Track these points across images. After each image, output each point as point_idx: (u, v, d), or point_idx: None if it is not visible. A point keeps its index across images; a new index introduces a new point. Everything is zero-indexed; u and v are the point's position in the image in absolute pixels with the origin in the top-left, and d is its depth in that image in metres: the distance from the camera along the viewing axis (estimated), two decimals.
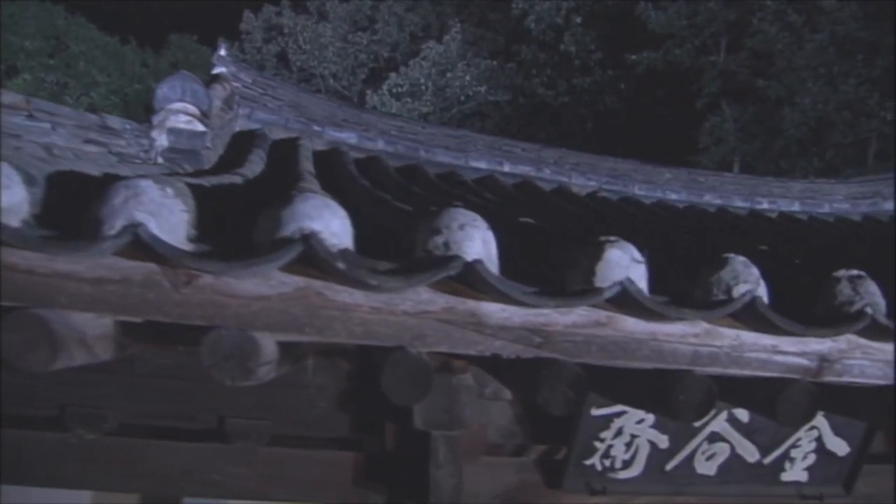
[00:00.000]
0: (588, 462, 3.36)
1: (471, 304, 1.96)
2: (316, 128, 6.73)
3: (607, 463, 3.38)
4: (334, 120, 6.93)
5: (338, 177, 5.33)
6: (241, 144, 5.66)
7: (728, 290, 2.06)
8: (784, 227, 6.81)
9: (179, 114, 4.63)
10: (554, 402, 2.07)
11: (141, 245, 1.75)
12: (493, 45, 21.30)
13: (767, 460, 3.57)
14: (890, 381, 2.48)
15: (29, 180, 1.88)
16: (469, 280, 1.86)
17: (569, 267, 1.98)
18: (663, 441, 3.40)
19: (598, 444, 3.32)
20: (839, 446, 3.61)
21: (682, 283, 2.21)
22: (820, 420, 3.51)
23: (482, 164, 7.01)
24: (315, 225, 1.77)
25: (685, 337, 2.17)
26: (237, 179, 3.82)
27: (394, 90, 19.22)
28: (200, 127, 4.68)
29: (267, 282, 1.90)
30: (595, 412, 3.22)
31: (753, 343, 2.26)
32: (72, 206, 1.92)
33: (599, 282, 1.91)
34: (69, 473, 3.20)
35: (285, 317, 1.91)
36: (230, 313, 1.90)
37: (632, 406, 2.97)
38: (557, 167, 7.22)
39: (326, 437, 3.38)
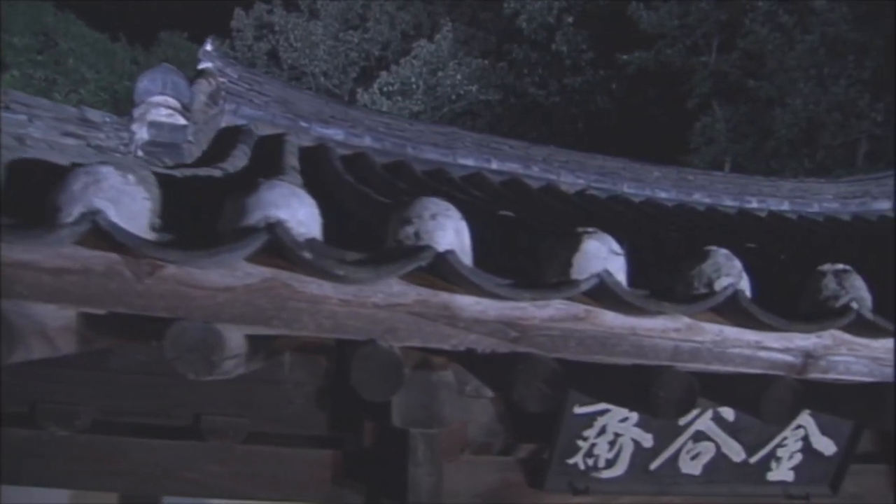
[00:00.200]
0: (571, 461, 3.31)
1: (444, 296, 1.90)
2: (303, 124, 6.65)
3: (590, 462, 3.33)
4: (321, 116, 6.85)
5: (323, 173, 5.27)
6: (225, 140, 5.59)
7: (710, 284, 2.00)
8: (773, 226, 6.78)
9: (160, 107, 4.57)
10: (530, 398, 2.01)
11: (101, 233, 1.69)
12: (484, 45, 21.24)
13: (753, 460, 3.53)
14: (875, 378, 2.43)
15: None
16: (441, 271, 1.80)
17: (546, 259, 1.92)
18: (647, 440, 3.35)
19: (581, 442, 3.27)
20: (826, 446, 3.58)
21: (665, 277, 2.16)
22: (806, 419, 3.47)
23: (470, 162, 6.94)
24: (281, 213, 1.70)
25: (666, 332, 2.11)
26: (216, 173, 3.75)
27: (385, 89, 19.15)
28: (182, 120, 4.61)
29: (233, 273, 1.83)
30: (578, 410, 3.17)
31: (736, 339, 2.20)
32: (33, 195, 1.85)
33: (576, 274, 1.85)
34: (40, 471, 3.13)
35: (251, 309, 1.85)
36: (194, 305, 1.83)
37: (612, 403, 2.92)
38: (546, 165, 7.16)
39: (304, 434, 3.33)
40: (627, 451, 3.35)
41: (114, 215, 1.68)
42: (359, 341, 1.92)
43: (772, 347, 2.26)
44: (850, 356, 2.38)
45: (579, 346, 2.02)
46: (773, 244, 5.14)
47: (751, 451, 3.51)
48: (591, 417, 3.21)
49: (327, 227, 1.87)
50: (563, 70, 20.14)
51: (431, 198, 1.80)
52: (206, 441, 3.19)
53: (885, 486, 3.85)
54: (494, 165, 7.00)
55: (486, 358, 2.04)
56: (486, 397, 3.21)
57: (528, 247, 2.28)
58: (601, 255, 1.85)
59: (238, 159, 4.68)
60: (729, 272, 2.00)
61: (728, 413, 3.36)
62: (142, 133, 4.46)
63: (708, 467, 3.49)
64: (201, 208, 2.22)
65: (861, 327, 2.26)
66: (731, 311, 2.08)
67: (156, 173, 2.25)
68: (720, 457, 3.47)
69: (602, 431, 3.26)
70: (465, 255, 1.79)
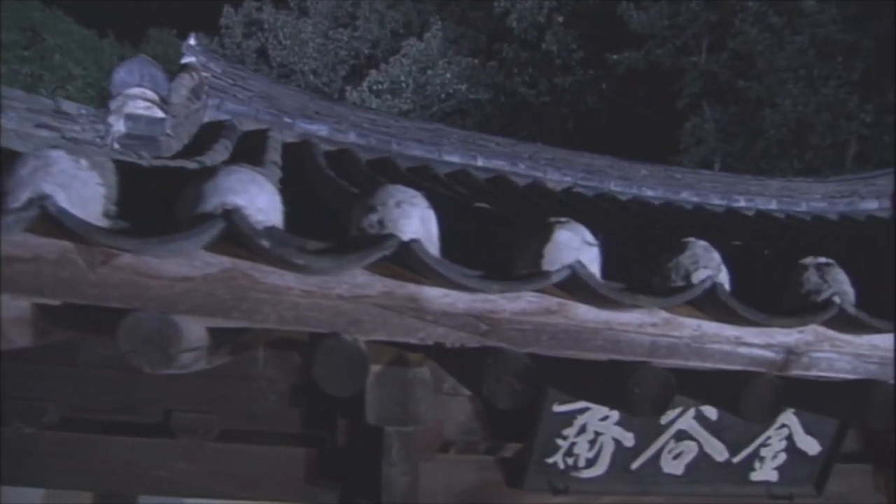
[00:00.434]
0: (550, 460, 3.24)
1: (411, 288, 1.83)
2: (287, 119, 6.58)
3: (570, 461, 3.27)
4: (306, 112, 6.78)
5: (306, 169, 5.20)
6: (207, 134, 5.52)
7: (687, 276, 1.93)
8: (760, 225, 6.73)
9: (138, 99, 4.49)
10: (500, 394, 1.94)
11: (50, 219, 1.61)
12: (474, 44, 21.19)
13: (736, 459, 3.48)
14: (859, 375, 2.37)
15: None
16: (406, 261, 1.73)
17: (517, 250, 1.85)
18: (628, 439, 3.29)
19: (560, 441, 3.21)
20: (810, 445, 3.53)
21: (643, 270, 2.09)
22: (791, 418, 3.42)
23: (455, 159, 6.87)
24: (239, 200, 1.63)
25: (643, 326, 2.04)
26: (192, 165, 3.67)
27: (374, 87, 19.08)
28: (159, 113, 4.53)
29: (191, 262, 1.76)
30: (557, 408, 3.11)
31: (715, 334, 2.14)
32: None
33: (547, 265, 1.78)
34: (5, 469, 3.05)
35: (210, 299, 1.77)
36: (151, 295, 1.76)
37: (587, 400, 2.86)
38: (532, 162, 7.10)
39: (277, 432, 3.26)
40: (608, 450, 3.28)
41: (63, 201, 1.60)
42: (322, 334, 1.85)
43: (752, 343, 2.20)
44: (833, 353, 2.32)
45: (552, 340, 1.96)
46: (759, 242, 5.09)
47: (734, 450, 3.45)
48: (571, 416, 3.14)
49: (306, 222, 1.80)
50: (552, 69, 20.10)
51: (397, 185, 1.73)
52: (177, 438, 3.11)
53: (870, 486, 3.81)
54: (480, 162, 6.93)
55: (456, 352, 1.97)
56: (464, 395, 3.14)
57: (503, 239, 2.21)
58: (573, 246, 1.78)
59: (218, 154, 4.61)
60: (707, 264, 1.94)
61: (711, 412, 3.31)
62: (118, 125, 4.38)
63: (690, 467, 3.43)
64: (165, 198, 2.15)
65: (844, 323, 2.20)
66: (710, 305, 2.01)
67: (118, 161, 2.18)
68: (703, 456, 3.42)
69: (582, 430, 3.20)
70: (432, 245, 1.72)
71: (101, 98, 17.91)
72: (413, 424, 2.88)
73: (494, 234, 2.42)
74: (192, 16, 19.48)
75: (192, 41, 6.57)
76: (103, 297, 1.76)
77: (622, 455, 3.31)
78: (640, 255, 2.47)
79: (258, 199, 1.66)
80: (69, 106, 4.23)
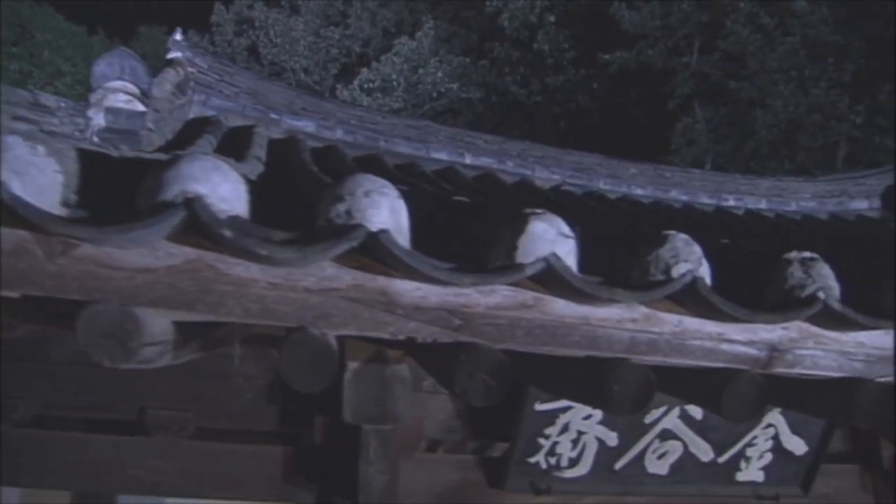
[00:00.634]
0: (532, 460, 3.20)
1: (381, 280, 1.76)
2: (273, 116, 6.52)
3: (553, 461, 3.23)
4: (292, 108, 6.72)
5: (291, 165, 5.14)
6: (192, 130, 5.46)
7: (667, 270, 1.87)
8: (750, 224, 6.69)
9: (118, 93, 4.42)
10: (473, 391, 1.88)
11: (4, 208, 1.55)
12: (465, 43, 21.13)
13: (722, 459, 3.44)
14: (845, 373, 2.32)
15: None
16: (375, 253, 1.67)
17: (491, 242, 1.79)
18: (612, 438, 3.25)
19: (542, 440, 3.16)
20: (797, 445, 3.50)
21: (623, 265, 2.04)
22: (777, 417, 3.38)
23: (443, 156, 6.82)
24: (201, 188, 1.57)
25: (622, 322, 1.98)
26: (166, 158, 3.60)
27: (365, 86, 19.01)
28: (140, 107, 4.46)
29: (153, 253, 1.69)
30: (539, 407, 3.06)
31: (697, 330, 2.08)
32: None
33: (521, 257, 1.72)
34: None
35: (173, 291, 1.71)
36: (112, 287, 1.69)
37: (566, 398, 2.81)
38: (521, 160, 7.04)
39: (253, 430, 3.20)
40: (591, 449, 3.24)
41: (17, 188, 1.54)
42: (289, 328, 1.79)
43: (735, 340, 2.14)
44: (818, 350, 2.27)
45: (527, 336, 1.90)
46: (747, 240, 5.06)
47: (719, 450, 3.41)
48: (553, 415, 3.09)
49: (287, 217, 1.74)
50: (544, 69, 20.06)
51: (366, 174, 1.67)
52: (151, 436, 3.04)
53: (857, 486, 3.78)
54: (468, 160, 6.87)
55: (429, 348, 1.91)
56: (445, 393, 3.08)
57: (481, 232, 2.15)
58: (549, 238, 1.72)
59: (201, 149, 4.55)
60: (688, 258, 1.88)
61: (696, 411, 3.26)
62: (98, 119, 4.31)
63: (675, 467, 3.39)
64: (133, 188, 2.08)
65: (829, 319, 2.15)
66: (691, 300, 1.96)
67: (84, 150, 2.11)
68: (688, 456, 3.38)
69: (565, 429, 3.15)
70: (402, 236, 1.66)
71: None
72: (391, 423, 2.82)
73: (472, 227, 2.36)
74: (183, 13, 19.39)
75: (178, 36, 6.51)
76: (63, 289, 1.69)
77: (606, 455, 3.27)
78: (627, 253, 2.42)
79: (221, 188, 1.60)
80: (47, 99, 4.16)
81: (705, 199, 7.42)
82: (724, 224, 6.51)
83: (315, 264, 1.72)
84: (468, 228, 2.46)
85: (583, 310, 1.93)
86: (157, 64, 6.01)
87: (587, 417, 3.14)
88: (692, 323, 2.07)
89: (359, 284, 1.76)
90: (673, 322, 2.05)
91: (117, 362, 1.70)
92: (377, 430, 2.84)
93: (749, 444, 3.43)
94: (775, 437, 3.44)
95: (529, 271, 1.72)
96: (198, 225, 1.58)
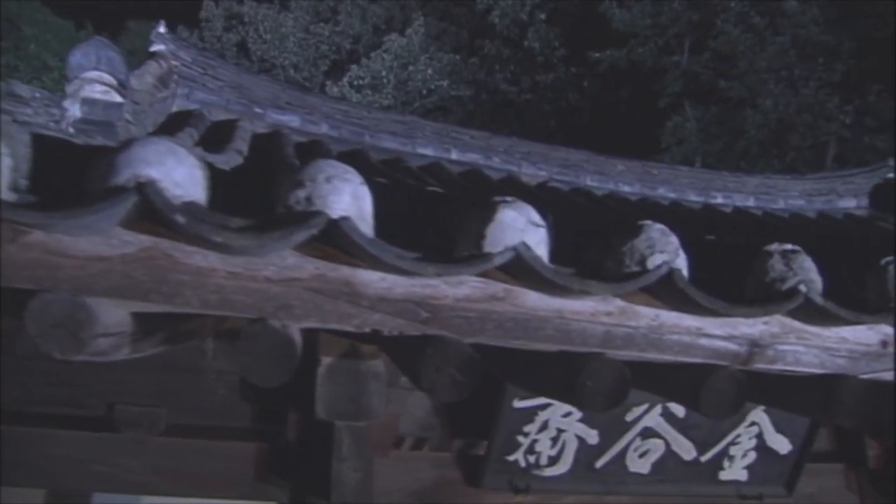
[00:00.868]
0: (511, 458, 3.14)
1: (345, 271, 1.70)
2: (258, 110, 6.44)
3: (532, 459, 3.16)
4: (277, 102, 6.64)
5: (274, 160, 5.07)
6: (174, 123, 5.39)
7: (642, 261, 1.81)
8: (738, 222, 6.65)
9: (95, 83, 4.33)
10: (440, 386, 1.80)
11: None
12: (456, 40, 21.02)
13: (705, 458, 3.39)
14: (827, 369, 2.27)
15: None
16: (337, 241, 1.60)
17: (459, 232, 1.72)
18: (592, 436, 3.19)
19: (521, 438, 3.10)
20: (781, 444, 3.45)
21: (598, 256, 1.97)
22: (760, 416, 3.33)
23: (429, 151, 6.74)
24: (153, 172, 1.50)
25: (596, 315, 1.92)
26: None
27: (355, 83, 18.89)
28: (117, 98, 4.37)
29: (107, 240, 1.62)
30: (517, 404, 3.00)
31: (674, 324, 2.02)
32: None
33: (489, 247, 1.65)
34: None
35: (127, 281, 1.64)
36: (63, 276, 1.62)
37: (539, 394, 2.74)
38: (507, 156, 6.98)
39: (226, 426, 3.12)
40: (571, 447, 3.18)
41: None
42: (248, 319, 1.72)
43: (714, 335, 2.09)
44: (800, 345, 2.22)
45: (498, 329, 1.83)
46: (734, 237, 5.01)
47: (702, 449, 3.36)
48: (532, 412, 3.03)
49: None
50: (535, 67, 19.99)
51: (329, 160, 1.60)
52: (121, 433, 2.97)
53: (842, 485, 3.73)
54: (454, 155, 6.80)
55: (396, 341, 1.85)
56: None
57: (452, 222, 2.08)
58: (518, 227, 1.65)
59: (181, 141, 4.47)
60: (664, 249, 1.81)
61: (678, 409, 3.21)
62: (74, 110, 4.22)
63: (657, 466, 3.34)
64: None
65: (811, 314, 2.09)
66: (667, 292, 1.90)
67: (42, 136, 2.05)
68: (670, 455, 3.33)
69: (544, 427, 3.09)
70: (365, 224, 1.59)
71: None
72: (365, 419, 2.75)
73: (448, 218, 2.29)
74: (173, 9, 19.26)
75: (161, 29, 6.43)
76: (12, 278, 1.62)
77: (586, 453, 3.21)
78: (602, 244, 2.36)
79: (175, 172, 1.53)
80: (21, 89, 4.08)
81: (693, 197, 7.38)
82: (711, 221, 6.47)
83: (276, 253, 1.66)
84: (444, 220, 2.39)
85: (556, 302, 1.86)
86: (145, 59, 5.94)
87: (567, 415, 3.08)
88: (669, 317, 2.01)
89: (321, 275, 1.69)
90: (649, 316, 1.99)
91: (68, 354, 1.63)
92: (351, 426, 2.78)
93: (732, 443, 3.38)
94: (759, 436, 3.39)
95: (497, 261, 1.65)
96: (150, 211, 1.51)
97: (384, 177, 4.42)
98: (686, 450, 3.34)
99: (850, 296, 2.16)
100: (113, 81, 4.36)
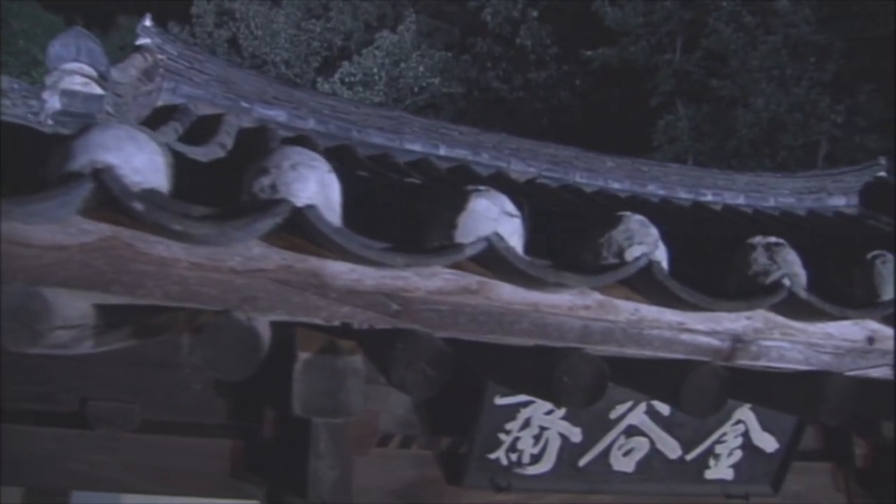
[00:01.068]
0: (492, 456, 3.08)
1: (313, 261, 1.64)
2: (244, 104, 6.38)
3: (514, 457, 3.11)
4: (264, 97, 6.58)
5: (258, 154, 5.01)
6: (159, 117, 5.33)
7: (620, 253, 1.76)
8: (727, 219, 6.63)
9: (75, 75, 4.26)
10: (411, 381, 1.75)
11: None
12: (448, 37, 21.04)
13: (690, 457, 3.35)
14: (812, 366, 2.22)
15: None
16: (302, 230, 1.54)
17: (430, 221, 1.67)
18: (576, 434, 3.14)
19: (503, 436, 3.05)
20: (767, 442, 3.41)
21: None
22: (747, 414, 3.29)
23: (417, 147, 6.69)
24: (111, 158, 1.44)
25: (574, 309, 1.87)
26: None
27: (346, 79, 18.89)
28: (97, 90, 4.30)
29: (65, 229, 1.56)
30: (499, 401, 2.94)
31: (655, 319, 1.97)
32: None
33: (461, 237, 1.60)
34: None
35: (87, 271, 1.57)
36: (18, 266, 1.55)
37: (516, 390, 2.69)
38: (496, 152, 6.93)
39: (202, 423, 3.04)
40: (554, 445, 3.13)
41: None
42: (212, 311, 1.66)
43: (696, 330, 2.03)
44: (784, 341, 2.17)
45: (471, 322, 1.77)
46: (723, 234, 4.97)
47: (687, 447, 3.31)
48: (514, 409, 2.98)
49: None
50: (527, 65, 20.01)
51: (294, 146, 1.55)
52: (93, 429, 2.90)
53: (829, 484, 3.70)
54: (442, 151, 6.75)
55: (366, 334, 1.79)
56: None
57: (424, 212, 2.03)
58: (491, 216, 1.60)
59: (165, 136, 4.41)
60: (643, 240, 1.76)
61: (663, 406, 3.16)
62: (53, 102, 4.15)
63: (641, 464, 3.29)
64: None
65: (796, 308, 2.04)
66: (647, 285, 1.84)
67: (10, 125, 1.99)
68: (655, 453, 3.28)
69: (526, 424, 3.04)
70: (332, 212, 1.53)
71: None
72: (343, 416, 2.67)
73: (420, 209, 2.24)
74: (163, 4, 19.17)
75: (147, 22, 6.36)
76: None
77: (569, 451, 3.16)
78: (579, 235, 2.30)
79: (135, 159, 1.47)
80: None
81: (683, 194, 7.35)
82: (700, 218, 6.44)
83: (241, 244, 1.60)
84: (420, 212, 2.34)
85: (532, 296, 1.81)
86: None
87: (549, 412, 3.03)
88: (650, 311, 1.96)
89: (288, 265, 1.64)
90: (629, 310, 1.94)
91: (23, 346, 1.57)
92: (328, 423, 2.72)
93: (718, 441, 3.34)
94: (745, 434, 3.35)
95: (469, 252, 1.60)
96: (108, 198, 1.45)
97: (369, 171, 4.37)
98: (671, 448, 3.29)
99: (836, 291, 2.12)
100: (93, 73, 4.28)
